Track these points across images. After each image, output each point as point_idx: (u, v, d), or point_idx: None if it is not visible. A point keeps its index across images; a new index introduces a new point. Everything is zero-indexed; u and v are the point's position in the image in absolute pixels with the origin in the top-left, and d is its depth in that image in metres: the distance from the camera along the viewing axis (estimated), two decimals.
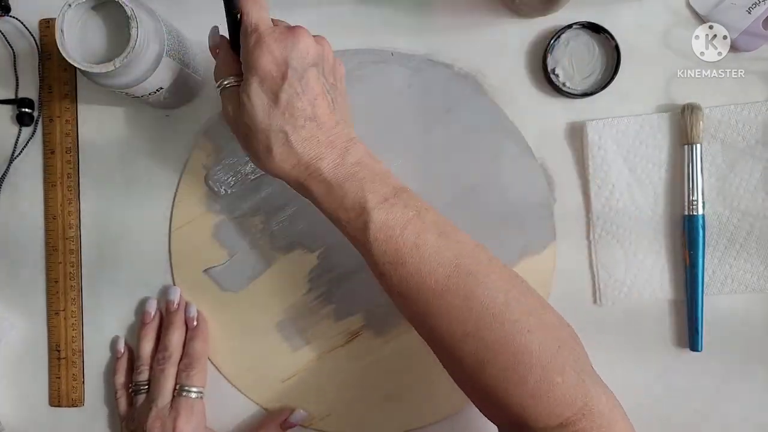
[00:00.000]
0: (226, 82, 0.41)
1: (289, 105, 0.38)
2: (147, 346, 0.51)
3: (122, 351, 0.52)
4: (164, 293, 0.52)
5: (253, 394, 0.52)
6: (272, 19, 0.41)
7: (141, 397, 0.49)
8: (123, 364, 0.52)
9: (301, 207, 0.51)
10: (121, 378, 0.51)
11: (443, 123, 0.51)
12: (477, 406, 0.40)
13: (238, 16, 0.40)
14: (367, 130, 0.51)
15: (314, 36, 0.40)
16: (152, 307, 0.52)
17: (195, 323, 0.51)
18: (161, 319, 0.52)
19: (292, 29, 0.39)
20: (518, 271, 0.50)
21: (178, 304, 0.51)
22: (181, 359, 0.50)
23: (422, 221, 0.39)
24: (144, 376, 0.50)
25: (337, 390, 0.52)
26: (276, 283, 0.52)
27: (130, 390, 0.51)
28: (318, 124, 0.39)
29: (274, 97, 0.38)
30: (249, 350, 0.52)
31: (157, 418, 0.47)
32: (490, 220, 0.51)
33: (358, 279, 0.51)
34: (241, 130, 0.40)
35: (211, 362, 0.52)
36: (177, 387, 0.48)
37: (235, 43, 0.41)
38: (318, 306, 0.52)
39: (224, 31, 0.43)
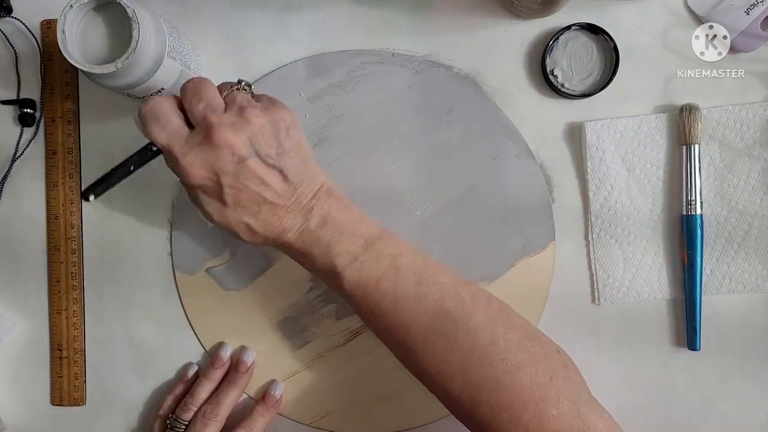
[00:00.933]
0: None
1: (238, 201, 0.38)
2: (206, 390, 0.50)
3: (190, 378, 0.51)
4: (241, 351, 0.51)
5: (254, 393, 0.52)
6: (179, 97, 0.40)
7: None
8: (181, 390, 0.51)
9: None
10: (169, 401, 0.51)
11: (444, 124, 0.51)
12: None
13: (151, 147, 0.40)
14: (368, 131, 0.52)
15: (235, 118, 0.38)
16: (226, 354, 0.51)
17: (276, 404, 0.51)
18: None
19: (207, 136, 0.37)
20: (517, 272, 0.51)
21: (249, 368, 0.51)
22: (239, 426, 0.49)
23: (398, 271, 0.39)
24: (188, 415, 0.49)
25: (337, 388, 0.52)
26: (277, 282, 0.52)
27: (168, 422, 0.50)
28: (273, 203, 0.39)
29: (221, 200, 0.39)
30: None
31: None
32: (489, 220, 0.51)
33: None
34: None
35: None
36: None
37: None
38: (319, 305, 0.52)
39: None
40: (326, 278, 0.41)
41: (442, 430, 0.52)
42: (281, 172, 0.39)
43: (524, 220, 0.51)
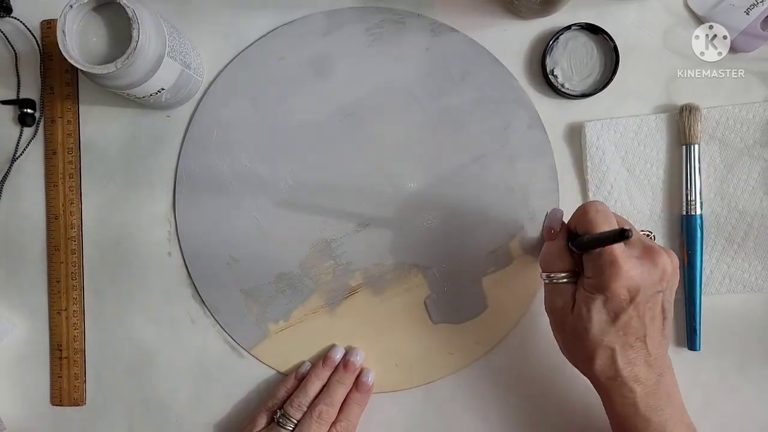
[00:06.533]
0: (556, 277, 0.41)
1: (627, 325, 0.39)
2: (316, 388, 0.50)
3: (303, 374, 0.51)
4: (350, 352, 0.51)
5: (242, 340, 0.52)
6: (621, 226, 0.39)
7: (281, 430, 0.48)
8: (293, 385, 0.51)
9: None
10: (282, 395, 0.50)
11: (458, 88, 0.51)
12: None
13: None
14: (381, 89, 0.52)
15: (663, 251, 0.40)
16: (338, 356, 0.51)
17: (369, 390, 0.51)
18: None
19: (649, 254, 0.39)
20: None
21: (357, 368, 0.51)
22: (337, 419, 0.49)
23: None
24: (299, 414, 0.49)
25: (329, 345, 0.52)
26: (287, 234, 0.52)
27: (277, 416, 0.49)
28: (646, 345, 0.39)
29: (614, 316, 0.39)
30: (245, 295, 0.52)
31: None
32: (496, 189, 0.51)
33: (362, 238, 0.51)
34: (567, 330, 0.41)
35: (204, 303, 0.52)
36: None
37: (573, 241, 0.41)
38: (318, 261, 0.52)
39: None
40: None
41: (442, 388, 0.52)
42: (665, 320, 0.41)
43: (530, 192, 0.51)
